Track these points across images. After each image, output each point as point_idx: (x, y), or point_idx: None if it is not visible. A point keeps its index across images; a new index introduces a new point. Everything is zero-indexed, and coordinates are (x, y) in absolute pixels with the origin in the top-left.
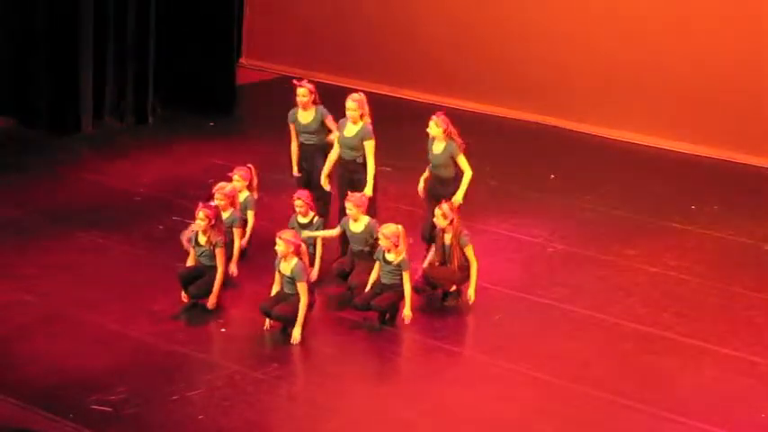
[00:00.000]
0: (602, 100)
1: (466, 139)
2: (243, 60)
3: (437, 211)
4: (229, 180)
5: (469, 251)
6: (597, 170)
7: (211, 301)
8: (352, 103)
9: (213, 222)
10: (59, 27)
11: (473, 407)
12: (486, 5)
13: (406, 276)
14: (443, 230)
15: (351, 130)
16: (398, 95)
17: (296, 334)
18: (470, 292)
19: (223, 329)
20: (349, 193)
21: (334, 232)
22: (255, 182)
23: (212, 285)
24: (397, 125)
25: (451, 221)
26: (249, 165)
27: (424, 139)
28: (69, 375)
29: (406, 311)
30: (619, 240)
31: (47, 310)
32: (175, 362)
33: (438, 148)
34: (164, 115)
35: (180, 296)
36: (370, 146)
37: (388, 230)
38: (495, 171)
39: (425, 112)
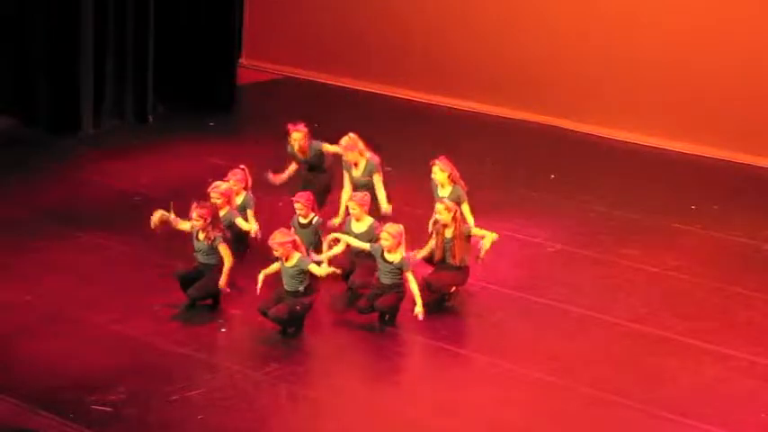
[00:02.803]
0: (602, 100)
1: (466, 140)
2: (243, 60)
3: (439, 206)
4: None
5: (476, 230)
6: (597, 170)
7: (222, 282)
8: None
9: (209, 221)
10: (59, 27)
11: (473, 407)
12: (487, 6)
13: (409, 276)
14: (445, 226)
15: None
16: (398, 95)
17: (315, 268)
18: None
19: (223, 329)
20: (352, 192)
21: (339, 249)
22: (250, 182)
23: (211, 286)
24: (397, 125)
25: (455, 215)
26: (242, 166)
27: (424, 139)
28: (69, 375)
29: (418, 308)
30: (619, 240)
31: (47, 310)
32: (175, 362)
33: (444, 192)
34: (164, 115)
35: (180, 296)
36: (378, 179)
37: (393, 229)
38: (495, 171)
39: (425, 113)
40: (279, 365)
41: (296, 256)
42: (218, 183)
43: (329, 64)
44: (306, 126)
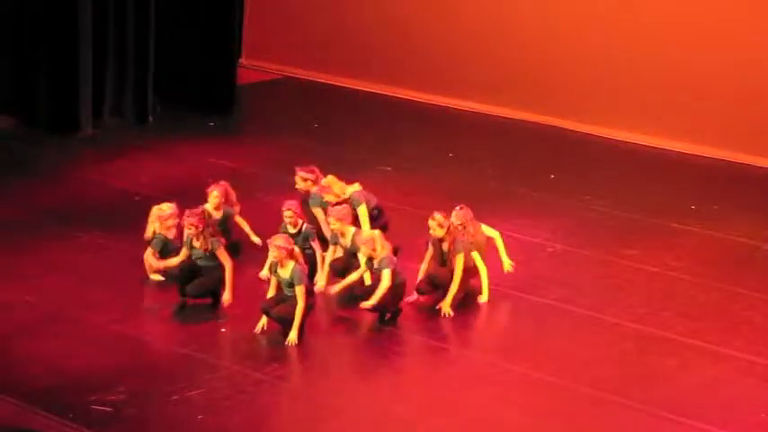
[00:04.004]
0: (602, 100)
1: (466, 140)
2: (243, 60)
3: (431, 222)
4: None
5: (476, 256)
6: (597, 170)
7: (227, 296)
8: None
9: (202, 228)
10: (59, 27)
11: (473, 407)
12: (487, 6)
13: (385, 273)
14: (441, 239)
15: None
16: (398, 95)
17: (292, 336)
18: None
19: (223, 329)
20: (330, 208)
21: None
22: (233, 197)
23: (210, 285)
24: (397, 125)
25: (448, 229)
26: (223, 182)
27: (424, 139)
28: (69, 375)
29: (366, 303)
30: (619, 240)
31: (47, 310)
32: (175, 362)
33: (447, 246)
34: (164, 115)
35: (180, 296)
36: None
37: (364, 237)
38: (495, 171)
39: (425, 113)
40: (279, 365)
41: (290, 266)
42: (192, 211)
43: (329, 64)
44: (313, 171)
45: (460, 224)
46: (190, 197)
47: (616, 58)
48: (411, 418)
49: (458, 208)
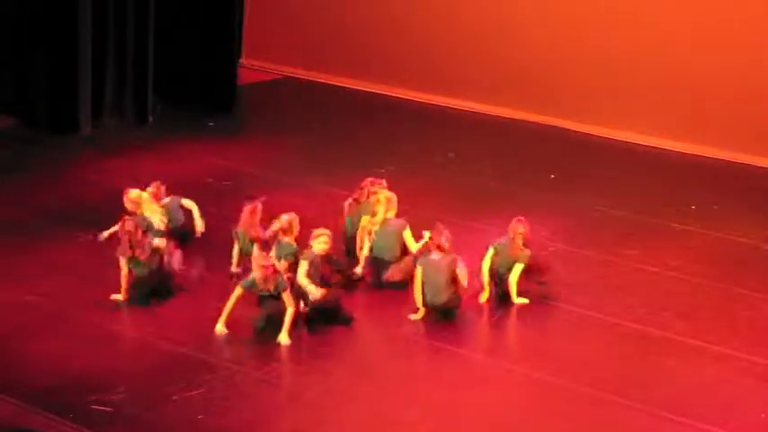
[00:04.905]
0: (602, 100)
1: (466, 140)
2: (243, 60)
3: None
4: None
5: (488, 256)
6: (597, 170)
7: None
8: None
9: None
10: (59, 27)
11: (473, 407)
12: (487, 6)
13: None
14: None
15: None
16: (398, 95)
17: (283, 338)
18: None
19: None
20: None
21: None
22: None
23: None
24: (397, 125)
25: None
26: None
27: (425, 139)
28: (69, 375)
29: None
30: (619, 240)
31: (47, 310)
32: (175, 362)
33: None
34: (164, 115)
35: (179, 296)
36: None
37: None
38: (495, 171)
39: (425, 113)
40: (279, 365)
41: (273, 281)
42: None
43: (329, 64)
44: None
45: (512, 237)
46: (190, 197)
47: (616, 58)
48: (411, 419)
49: (515, 219)
